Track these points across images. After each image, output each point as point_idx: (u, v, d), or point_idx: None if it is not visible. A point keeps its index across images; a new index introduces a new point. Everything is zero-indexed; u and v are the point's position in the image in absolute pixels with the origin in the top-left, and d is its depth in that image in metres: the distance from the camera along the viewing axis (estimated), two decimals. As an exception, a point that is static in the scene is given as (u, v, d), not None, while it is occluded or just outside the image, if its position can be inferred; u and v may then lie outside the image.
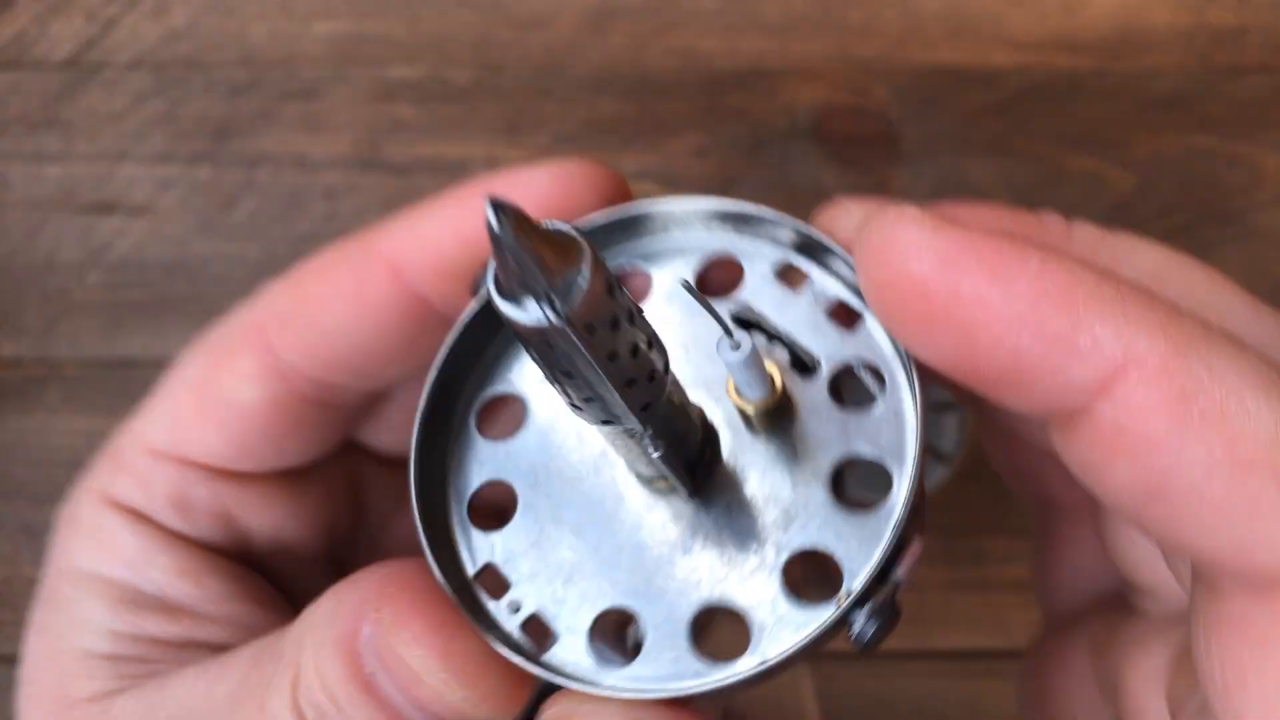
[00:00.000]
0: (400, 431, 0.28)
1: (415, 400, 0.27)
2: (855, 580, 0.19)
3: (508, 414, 0.22)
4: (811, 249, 0.21)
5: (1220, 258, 0.48)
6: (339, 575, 0.27)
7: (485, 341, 0.22)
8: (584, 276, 0.15)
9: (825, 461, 0.20)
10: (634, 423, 0.18)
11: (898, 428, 0.20)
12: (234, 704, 0.20)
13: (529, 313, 0.15)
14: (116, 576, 0.23)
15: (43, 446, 0.46)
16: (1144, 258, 0.19)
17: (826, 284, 0.21)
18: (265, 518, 0.25)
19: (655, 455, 0.19)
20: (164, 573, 0.23)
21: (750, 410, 0.20)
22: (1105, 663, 0.22)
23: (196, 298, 0.47)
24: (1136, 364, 0.16)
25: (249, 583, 0.24)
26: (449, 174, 0.48)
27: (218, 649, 0.23)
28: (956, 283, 0.16)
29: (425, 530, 0.20)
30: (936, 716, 0.44)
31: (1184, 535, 0.16)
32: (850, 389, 0.21)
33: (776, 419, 0.20)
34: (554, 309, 0.15)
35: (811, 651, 0.19)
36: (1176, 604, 0.21)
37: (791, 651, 0.19)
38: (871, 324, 0.21)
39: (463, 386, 0.22)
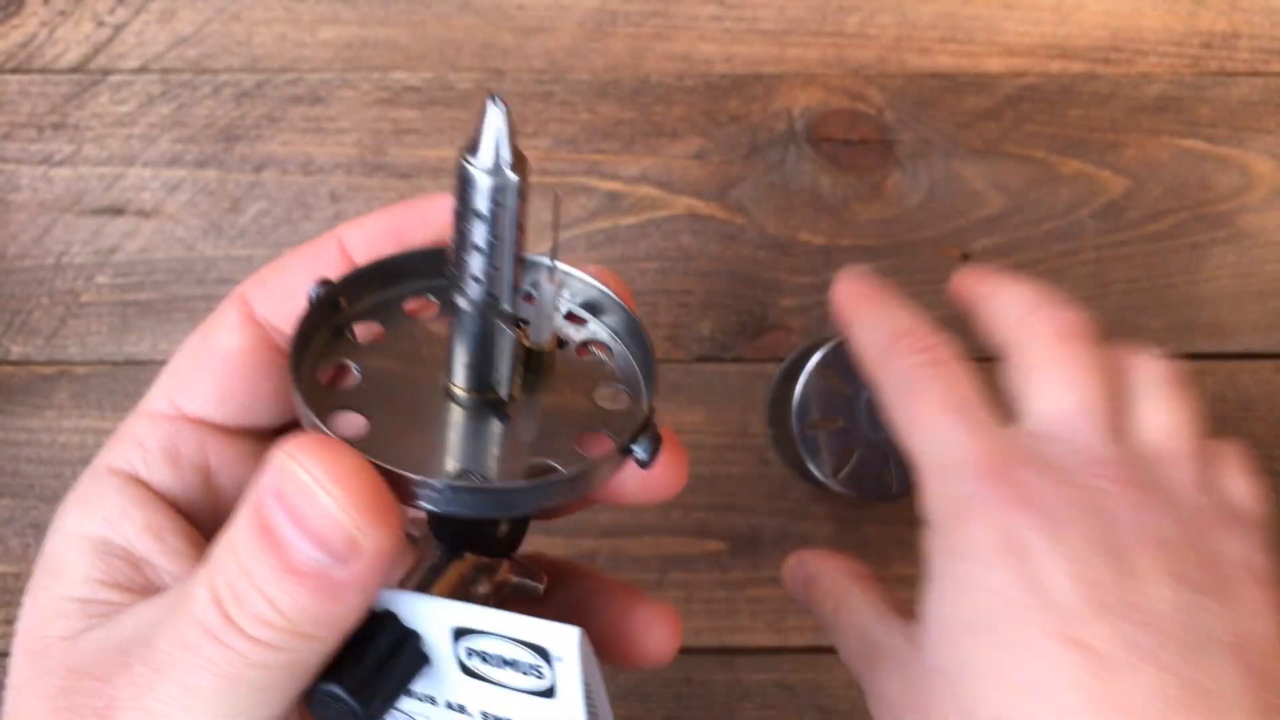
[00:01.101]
0: None
1: None
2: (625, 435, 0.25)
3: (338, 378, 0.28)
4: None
5: (1211, 259, 0.49)
6: None
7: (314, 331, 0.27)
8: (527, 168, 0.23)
9: (589, 380, 0.27)
10: (509, 300, 0.24)
11: (631, 360, 0.28)
12: (166, 611, 0.23)
13: (503, 177, 0.23)
14: (96, 532, 0.26)
15: (52, 445, 0.46)
16: None
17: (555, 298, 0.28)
18: (237, 474, 0.28)
19: (508, 334, 0.24)
20: (134, 527, 0.26)
21: (535, 349, 0.26)
22: None
23: (204, 298, 0.48)
24: None
25: (202, 548, 0.27)
26: (452, 177, 0.49)
27: None
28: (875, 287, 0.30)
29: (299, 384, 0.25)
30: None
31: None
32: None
33: (544, 363, 0.27)
34: (520, 174, 0.23)
35: (599, 475, 0.25)
36: None
37: (580, 470, 0.24)
38: (593, 324, 0.28)
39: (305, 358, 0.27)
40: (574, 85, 0.50)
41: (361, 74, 0.50)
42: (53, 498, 0.46)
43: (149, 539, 0.26)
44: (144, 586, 0.26)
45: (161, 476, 0.27)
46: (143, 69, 0.49)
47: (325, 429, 0.24)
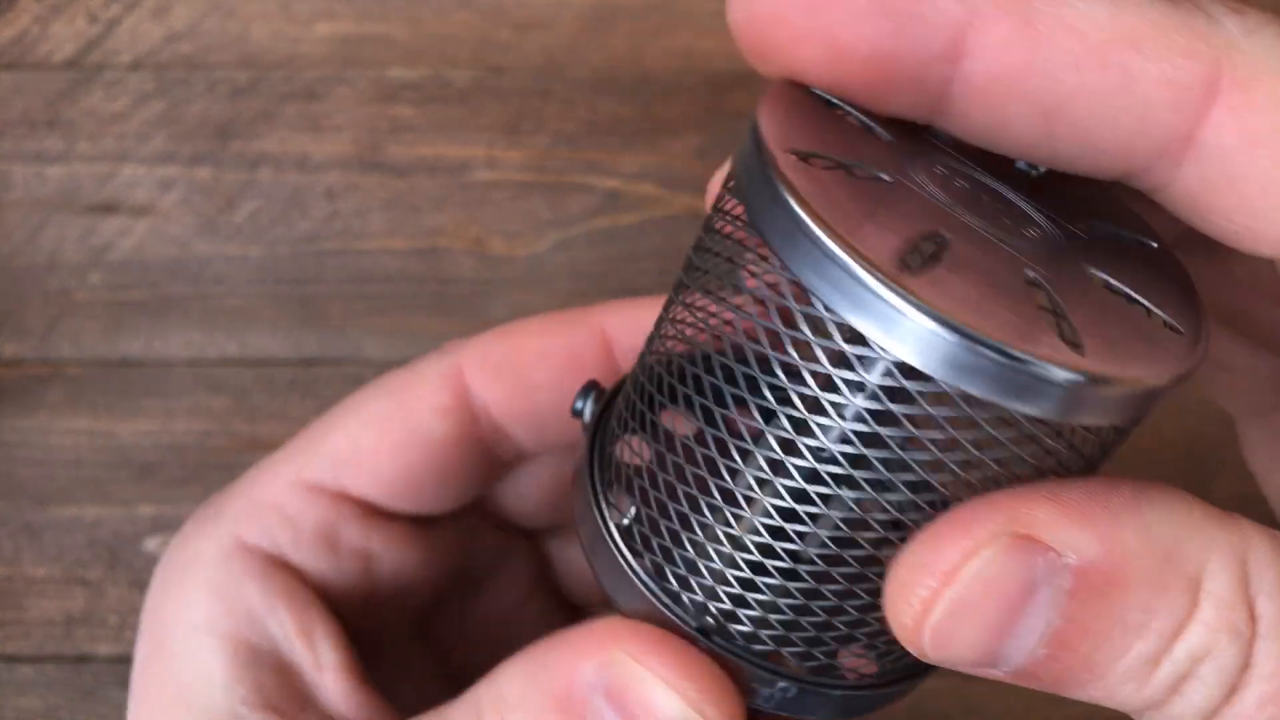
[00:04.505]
0: (526, 500, 0.28)
1: (547, 472, 0.27)
2: None
3: None
4: None
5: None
6: (424, 641, 0.27)
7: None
8: None
9: None
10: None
11: None
12: None
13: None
14: (238, 632, 0.22)
15: (44, 446, 0.46)
16: None
17: None
18: (399, 564, 0.25)
19: None
20: (283, 630, 0.22)
21: None
22: None
23: (198, 297, 0.47)
24: (979, 15, 0.17)
25: (349, 654, 0.23)
26: (450, 175, 0.48)
27: None
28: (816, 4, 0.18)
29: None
30: (936, 716, 0.44)
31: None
32: None
33: None
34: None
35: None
36: None
37: None
38: None
39: None
40: (573, 82, 0.49)
41: (358, 70, 0.49)
42: (46, 499, 0.45)
43: (301, 646, 0.22)
44: (294, 705, 0.22)
45: (314, 563, 0.23)
46: (136, 65, 0.49)
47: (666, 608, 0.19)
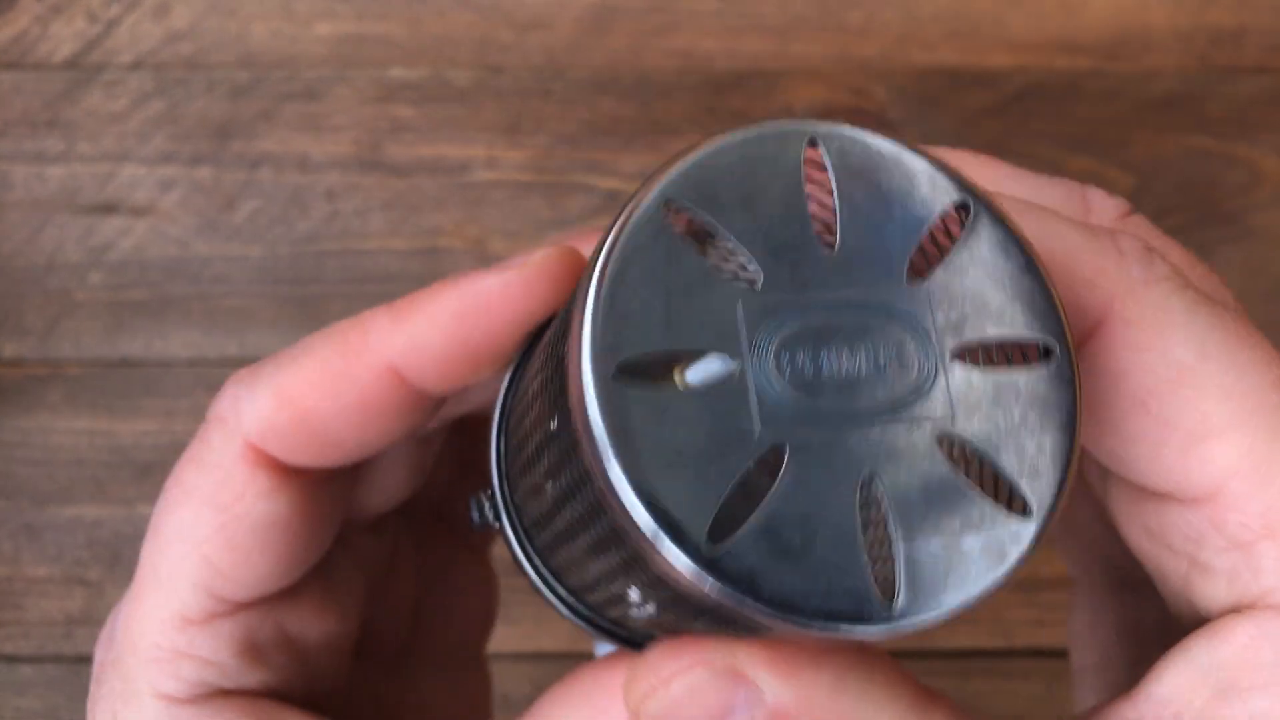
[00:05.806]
0: (383, 487, 0.27)
1: (390, 464, 0.27)
2: None
3: None
4: None
5: (1219, 258, 0.48)
6: (355, 669, 0.27)
7: None
8: None
9: None
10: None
11: None
12: None
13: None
14: None
15: (44, 446, 0.46)
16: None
17: None
18: (322, 627, 0.24)
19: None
20: None
21: None
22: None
23: (198, 297, 0.47)
24: None
25: None
26: (449, 174, 0.48)
27: None
28: None
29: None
30: (936, 716, 0.44)
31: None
32: None
33: None
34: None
35: None
36: None
37: None
38: None
39: None
40: (573, 82, 0.49)
41: (357, 70, 0.49)
42: (45, 499, 0.45)
43: None
44: None
45: (253, 679, 0.23)
46: (136, 65, 0.49)
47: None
